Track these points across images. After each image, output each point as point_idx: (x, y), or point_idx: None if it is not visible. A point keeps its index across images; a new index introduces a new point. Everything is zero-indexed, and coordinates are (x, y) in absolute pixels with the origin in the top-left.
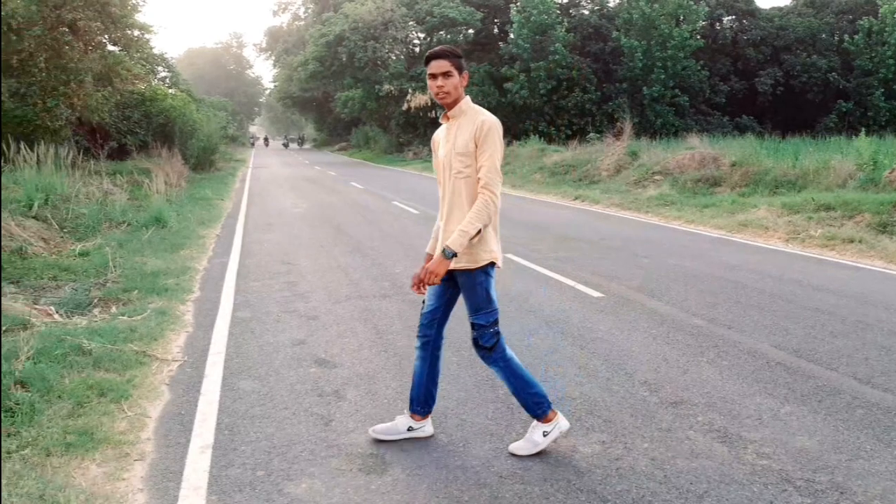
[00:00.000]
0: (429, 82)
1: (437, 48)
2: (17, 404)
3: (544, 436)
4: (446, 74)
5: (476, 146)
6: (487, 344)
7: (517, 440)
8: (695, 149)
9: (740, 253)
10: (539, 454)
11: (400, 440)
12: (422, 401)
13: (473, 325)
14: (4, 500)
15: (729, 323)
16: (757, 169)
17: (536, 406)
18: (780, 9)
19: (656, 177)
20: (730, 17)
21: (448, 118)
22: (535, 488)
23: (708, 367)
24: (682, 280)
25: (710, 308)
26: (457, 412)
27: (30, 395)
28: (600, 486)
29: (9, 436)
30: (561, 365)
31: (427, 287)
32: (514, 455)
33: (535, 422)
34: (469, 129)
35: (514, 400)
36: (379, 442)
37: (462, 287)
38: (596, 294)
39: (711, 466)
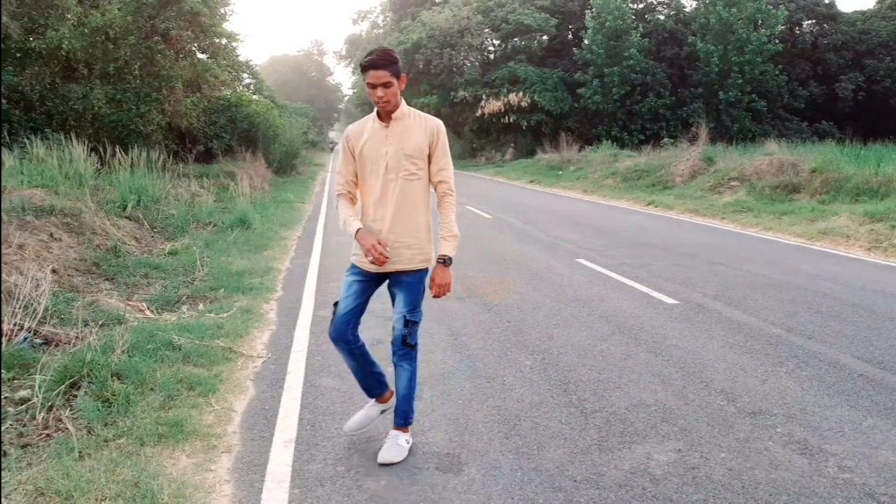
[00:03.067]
0: (367, 90)
1: (373, 56)
2: (114, 395)
3: (406, 443)
4: (386, 85)
5: (430, 150)
6: (414, 342)
7: (589, 445)
8: (773, 154)
9: (820, 261)
10: (613, 461)
11: (440, 439)
12: (375, 386)
13: (408, 323)
14: (103, 485)
15: (809, 333)
16: (837, 176)
17: (410, 413)
18: (862, 12)
19: (732, 183)
20: (810, 22)
21: (388, 119)
22: (610, 494)
23: (787, 377)
24: (760, 288)
25: (790, 317)
26: (530, 415)
27: (125, 386)
28: (676, 494)
29: (106, 425)
30: (635, 371)
31: (352, 285)
32: (384, 464)
33: (394, 430)
34: (418, 132)
35: (587, 405)
36: (454, 442)
37: (405, 285)
38: (671, 301)
39: (791, 478)
